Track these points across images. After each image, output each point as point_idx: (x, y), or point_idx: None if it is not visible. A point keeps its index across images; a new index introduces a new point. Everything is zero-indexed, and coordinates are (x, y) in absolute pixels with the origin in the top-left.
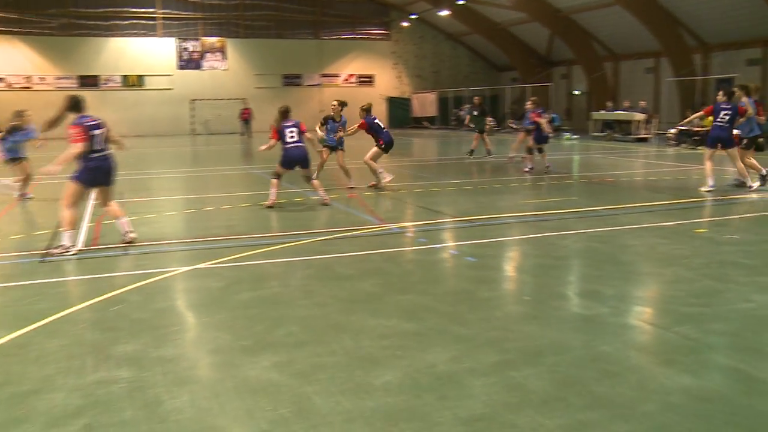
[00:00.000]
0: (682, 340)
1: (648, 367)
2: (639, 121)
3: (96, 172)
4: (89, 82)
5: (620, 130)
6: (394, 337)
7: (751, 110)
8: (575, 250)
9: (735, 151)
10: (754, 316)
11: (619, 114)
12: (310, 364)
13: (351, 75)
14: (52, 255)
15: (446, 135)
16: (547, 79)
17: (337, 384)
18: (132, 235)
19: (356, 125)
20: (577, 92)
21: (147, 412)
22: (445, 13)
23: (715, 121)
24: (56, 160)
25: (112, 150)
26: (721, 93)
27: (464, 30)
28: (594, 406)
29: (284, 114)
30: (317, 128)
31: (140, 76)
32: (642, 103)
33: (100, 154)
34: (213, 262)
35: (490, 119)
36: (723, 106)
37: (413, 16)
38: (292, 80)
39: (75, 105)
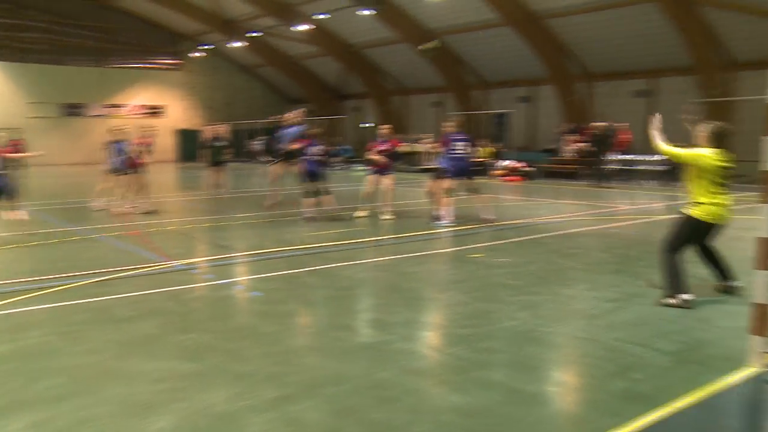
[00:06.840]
0: (456, 361)
1: (423, 389)
2: (424, 153)
3: None
4: None
5: (407, 161)
6: (173, 380)
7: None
8: (359, 279)
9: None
10: (518, 332)
11: (406, 146)
12: (76, 418)
13: (140, 106)
14: None
15: (239, 168)
16: (339, 111)
17: None
18: None
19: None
20: (366, 125)
21: None
22: (238, 44)
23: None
24: None
25: None
26: (382, 129)
27: (258, 62)
28: None
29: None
30: None
31: None
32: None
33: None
34: None
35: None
36: (378, 140)
37: (206, 47)
38: (73, 110)
39: None
